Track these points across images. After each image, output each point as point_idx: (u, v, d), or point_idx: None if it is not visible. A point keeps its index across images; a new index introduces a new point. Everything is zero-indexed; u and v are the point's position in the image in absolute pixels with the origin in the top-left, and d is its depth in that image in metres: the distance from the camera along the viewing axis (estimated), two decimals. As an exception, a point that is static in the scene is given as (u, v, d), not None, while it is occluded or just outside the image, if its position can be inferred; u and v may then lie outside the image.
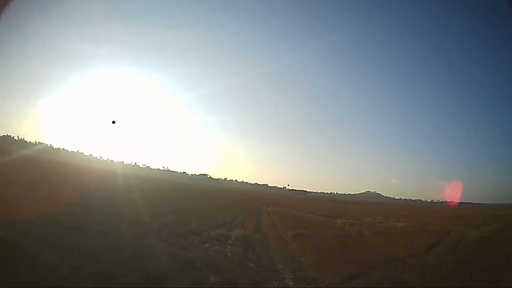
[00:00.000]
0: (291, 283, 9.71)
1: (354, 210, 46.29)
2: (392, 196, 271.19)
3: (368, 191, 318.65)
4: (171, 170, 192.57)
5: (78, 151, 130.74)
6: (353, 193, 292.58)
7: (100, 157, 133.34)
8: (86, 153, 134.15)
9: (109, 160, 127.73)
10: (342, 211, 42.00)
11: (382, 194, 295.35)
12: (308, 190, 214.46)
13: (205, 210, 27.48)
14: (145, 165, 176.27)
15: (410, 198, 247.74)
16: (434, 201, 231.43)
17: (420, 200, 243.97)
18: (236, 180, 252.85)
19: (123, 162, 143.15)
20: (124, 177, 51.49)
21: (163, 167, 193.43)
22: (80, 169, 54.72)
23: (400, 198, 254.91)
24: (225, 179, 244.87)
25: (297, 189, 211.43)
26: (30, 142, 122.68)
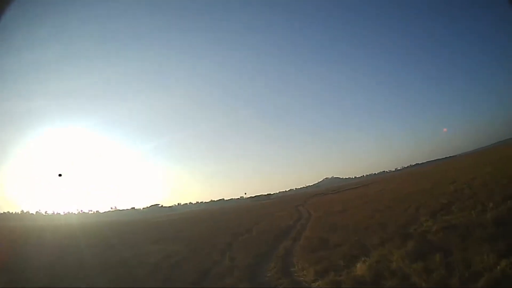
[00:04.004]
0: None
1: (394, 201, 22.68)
2: (352, 176, 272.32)
3: (326, 178, 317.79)
4: (120, 209, 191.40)
5: (22, 211, 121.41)
6: (312, 184, 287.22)
7: (45, 212, 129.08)
8: (32, 211, 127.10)
9: (55, 213, 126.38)
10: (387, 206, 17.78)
11: (341, 177, 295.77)
12: (271, 193, 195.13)
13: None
14: (91, 210, 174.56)
15: (374, 173, 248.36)
16: (398, 168, 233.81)
17: (384, 171, 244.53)
18: (190, 203, 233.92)
19: (69, 212, 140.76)
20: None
21: (111, 208, 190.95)
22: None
23: (363, 176, 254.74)
24: (178, 204, 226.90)
25: (257, 195, 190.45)
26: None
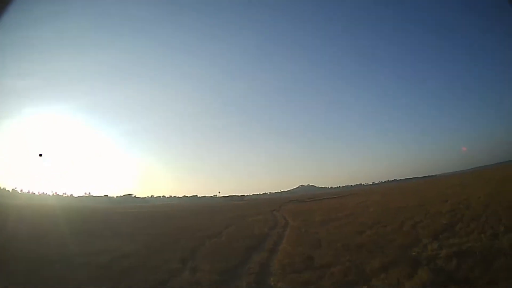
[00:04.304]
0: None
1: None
2: (328, 186, 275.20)
3: (302, 185, 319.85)
4: (93, 195, 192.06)
5: None
6: (287, 189, 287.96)
7: (21, 191, 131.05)
8: (8, 188, 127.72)
9: (30, 193, 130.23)
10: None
11: (317, 186, 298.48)
12: (245, 194, 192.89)
13: None
14: (66, 194, 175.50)
15: (350, 184, 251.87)
16: (376, 182, 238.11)
17: (361, 183, 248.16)
18: (163, 196, 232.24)
19: (44, 193, 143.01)
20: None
21: (85, 193, 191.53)
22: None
23: (339, 186, 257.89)
24: (151, 196, 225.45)
25: (231, 195, 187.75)
26: None
